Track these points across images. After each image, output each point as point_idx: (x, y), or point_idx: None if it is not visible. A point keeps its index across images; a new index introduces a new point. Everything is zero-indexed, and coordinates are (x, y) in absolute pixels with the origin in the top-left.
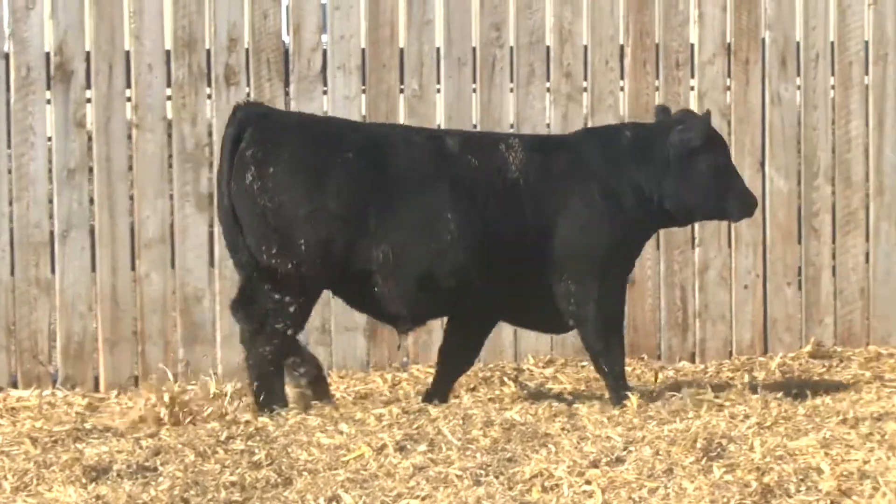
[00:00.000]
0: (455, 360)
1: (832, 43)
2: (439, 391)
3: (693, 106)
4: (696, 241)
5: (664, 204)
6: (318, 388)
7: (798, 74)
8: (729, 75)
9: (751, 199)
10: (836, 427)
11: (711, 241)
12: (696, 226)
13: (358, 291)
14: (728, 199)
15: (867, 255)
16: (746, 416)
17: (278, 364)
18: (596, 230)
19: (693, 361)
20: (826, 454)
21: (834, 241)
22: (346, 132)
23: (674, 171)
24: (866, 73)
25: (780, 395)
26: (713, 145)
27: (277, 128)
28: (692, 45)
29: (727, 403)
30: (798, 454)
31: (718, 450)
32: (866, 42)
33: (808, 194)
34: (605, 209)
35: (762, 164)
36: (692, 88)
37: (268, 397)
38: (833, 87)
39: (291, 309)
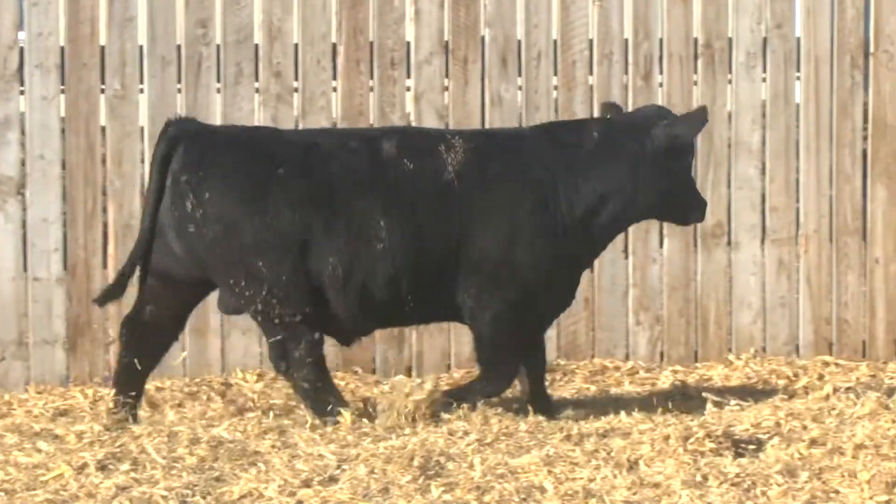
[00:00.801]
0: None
1: (555, 41)
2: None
3: (409, 107)
4: None
5: (638, 199)
6: None
7: (519, 74)
8: (447, 75)
9: (703, 201)
10: (560, 444)
11: None
12: None
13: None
14: (692, 202)
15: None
16: (466, 433)
17: (324, 373)
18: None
19: (410, 375)
20: (549, 472)
21: None
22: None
23: (650, 168)
24: (590, 72)
25: (500, 410)
26: (691, 145)
27: (210, 146)
28: (408, 44)
29: (447, 419)
30: (520, 472)
31: (437, 468)
32: (590, 40)
33: None
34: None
35: None
36: (408, 89)
37: (324, 405)
38: (556, 88)
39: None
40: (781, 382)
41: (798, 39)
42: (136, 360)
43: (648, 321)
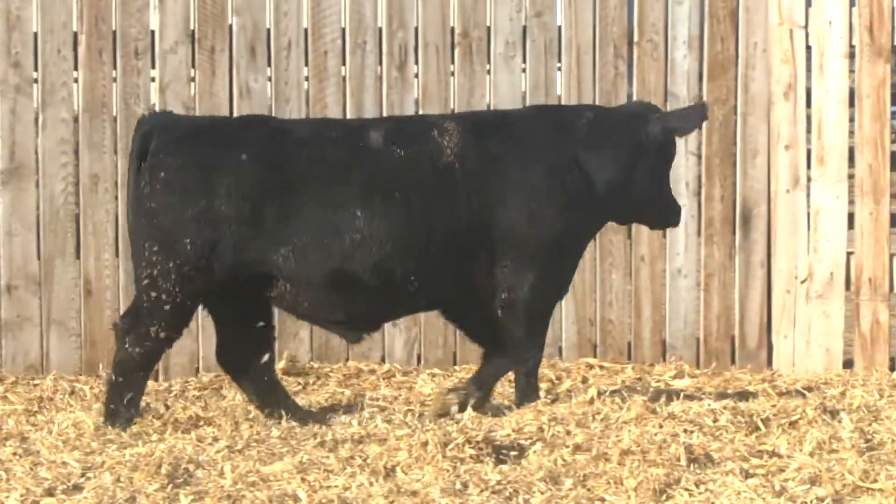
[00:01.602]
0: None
1: (306, 30)
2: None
3: (154, 98)
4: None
5: (618, 197)
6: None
7: (269, 64)
8: (193, 65)
9: (678, 207)
10: (314, 450)
11: None
12: None
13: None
14: (672, 204)
15: None
16: (216, 439)
17: (147, 370)
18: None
19: (157, 379)
20: (303, 480)
21: None
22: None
23: (643, 161)
24: (343, 63)
25: (252, 415)
26: (669, 143)
27: (180, 136)
28: (153, 32)
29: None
30: (272, 480)
31: (185, 476)
32: (343, 29)
33: None
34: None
35: None
36: (153, 79)
37: (120, 404)
38: (307, 79)
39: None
40: (544, 386)
41: (559, 28)
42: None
43: (405, 322)
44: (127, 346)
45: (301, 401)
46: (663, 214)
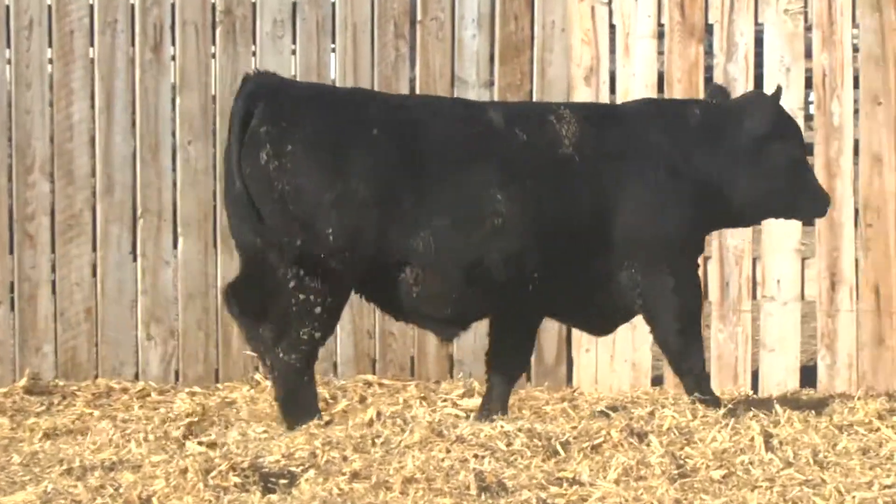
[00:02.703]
0: (509, 364)
1: (49, 7)
2: (499, 402)
3: None
4: None
5: (733, 200)
6: None
7: (8, 45)
8: None
9: (824, 195)
10: (60, 478)
11: None
12: None
13: (392, 291)
14: (800, 195)
15: (94, 266)
16: None
17: (310, 373)
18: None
19: None
20: None
21: (53, 251)
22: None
23: (745, 163)
24: (91, 43)
25: None
26: (785, 131)
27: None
28: None
29: None
30: None
31: None
32: (91, 6)
33: (22, 193)
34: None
35: None
36: None
37: (298, 411)
38: (51, 61)
39: (318, 310)
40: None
41: (333, 5)
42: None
43: (161, 335)
44: (281, 355)
45: (45, 423)
46: (791, 208)
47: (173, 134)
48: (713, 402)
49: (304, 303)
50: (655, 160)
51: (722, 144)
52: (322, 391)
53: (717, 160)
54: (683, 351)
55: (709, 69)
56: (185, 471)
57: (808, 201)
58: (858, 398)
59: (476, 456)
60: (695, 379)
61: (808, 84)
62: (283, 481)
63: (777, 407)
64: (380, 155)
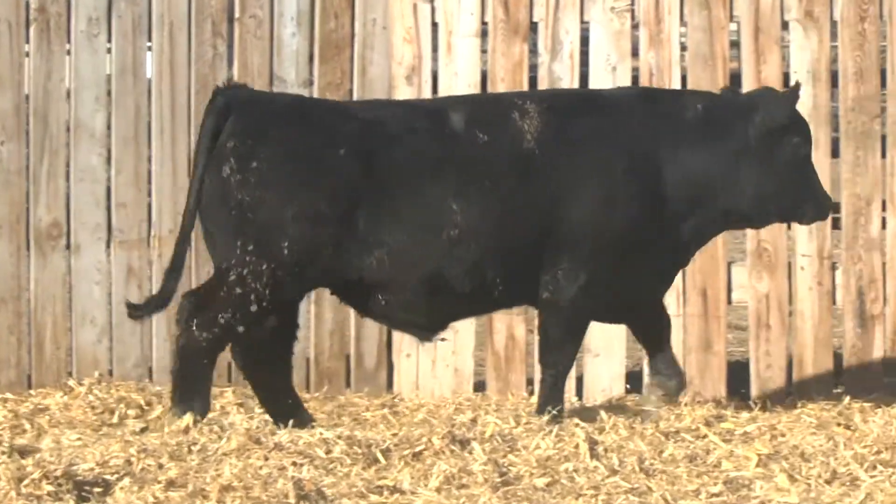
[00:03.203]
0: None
1: None
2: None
3: None
4: None
5: (738, 200)
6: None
7: None
8: None
9: (827, 199)
10: None
11: None
12: None
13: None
14: (806, 197)
15: None
16: None
17: (211, 358)
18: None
19: None
20: None
21: None
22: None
23: (754, 160)
24: None
25: None
26: (798, 129)
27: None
28: None
29: None
30: None
31: None
32: None
33: None
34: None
35: None
36: None
37: (186, 389)
38: None
39: (253, 308)
40: (132, 412)
41: (150, 2)
42: None
43: None
44: (194, 329)
45: None
46: (794, 210)
47: None
48: (557, 401)
49: (238, 296)
50: (619, 153)
51: (725, 141)
52: (137, 397)
53: (715, 158)
54: (559, 345)
55: (533, 68)
56: None
57: (813, 204)
58: (685, 404)
59: (295, 464)
60: (555, 375)
61: (635, 83)
62: (97, 489)
63: (602, 413)
64: (344, 172)
